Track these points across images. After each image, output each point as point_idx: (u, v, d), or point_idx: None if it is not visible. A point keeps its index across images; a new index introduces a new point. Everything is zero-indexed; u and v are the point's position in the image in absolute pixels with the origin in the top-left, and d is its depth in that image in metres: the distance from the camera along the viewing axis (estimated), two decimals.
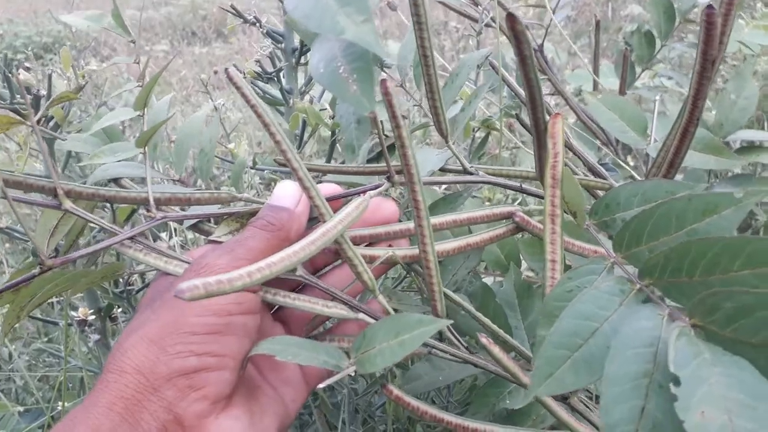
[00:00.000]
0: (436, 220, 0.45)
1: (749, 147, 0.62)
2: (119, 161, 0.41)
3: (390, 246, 0.44)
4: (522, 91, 0.57)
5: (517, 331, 0.52)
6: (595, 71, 0.71)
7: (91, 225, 0.41)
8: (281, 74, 0.68)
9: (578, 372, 0.32)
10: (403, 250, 0.43)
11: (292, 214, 0.40)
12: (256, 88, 0.66)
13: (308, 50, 0.65)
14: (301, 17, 0.25)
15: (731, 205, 0.33)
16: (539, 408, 0.48)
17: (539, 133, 0.40)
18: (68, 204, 0.36)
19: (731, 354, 0.27)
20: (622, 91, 0.70)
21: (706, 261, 0.31)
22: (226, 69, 0.35)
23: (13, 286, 0.34)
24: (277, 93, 0.67)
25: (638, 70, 0.73)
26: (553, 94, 0.71)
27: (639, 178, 0.54)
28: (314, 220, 0.44)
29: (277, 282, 0.41)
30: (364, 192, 0.43)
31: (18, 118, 0.31)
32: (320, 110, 0.64)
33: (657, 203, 0.35)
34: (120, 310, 0.64)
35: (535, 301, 0.52)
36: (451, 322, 0.36)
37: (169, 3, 6.01)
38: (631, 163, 0.69)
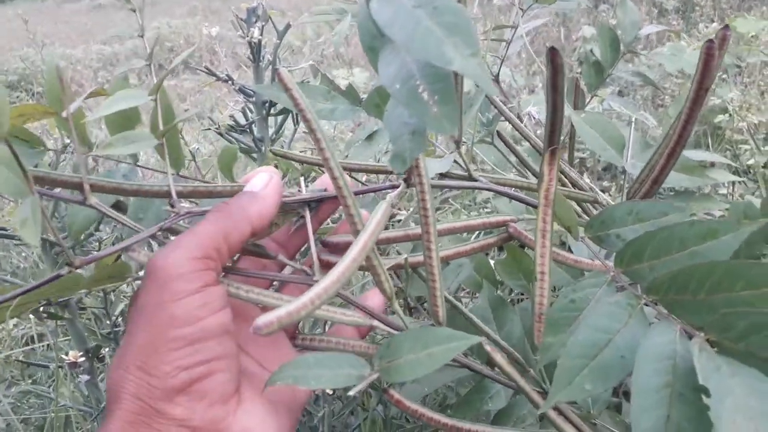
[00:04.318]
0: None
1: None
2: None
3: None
4: (506, 110, 0.60)
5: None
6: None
7: None
8: (253, 125, 0.74)
9: (594, 380, 0.35)
10: (409, 256, 0.44)
11: (254, 196, 0.40)
12: (232, 138, 0.71)
13: (275, 104, 0.69)
14: (400, 39, 0.25)
15: (730, 231, 0.36)
16: (520, 409, 0.50)
17: (553, 153, 0.42)
18: (93, 199, 0.33)
19: (746, 366, 0.30)
20: None
21: (710, 282, 0.34)
22: (276, 69, 0.35)
23: (41, 285, 0.31)
24: (250, 142, 0.73)
25: (587, 96, 0.78)
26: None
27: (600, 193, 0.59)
28: (291, 213, 0.44)
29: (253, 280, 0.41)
30: (376, 191, 0.44)
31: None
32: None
33: (660, 227, 0.38)
34: (107, 350, 0.62)
35: (509, 312, 0.54)
36: (484, 339, 0.38)
37: (134, 36, 5.69)
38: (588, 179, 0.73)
